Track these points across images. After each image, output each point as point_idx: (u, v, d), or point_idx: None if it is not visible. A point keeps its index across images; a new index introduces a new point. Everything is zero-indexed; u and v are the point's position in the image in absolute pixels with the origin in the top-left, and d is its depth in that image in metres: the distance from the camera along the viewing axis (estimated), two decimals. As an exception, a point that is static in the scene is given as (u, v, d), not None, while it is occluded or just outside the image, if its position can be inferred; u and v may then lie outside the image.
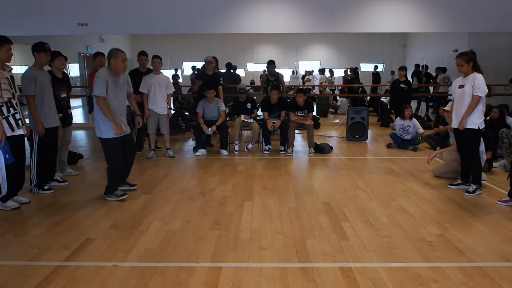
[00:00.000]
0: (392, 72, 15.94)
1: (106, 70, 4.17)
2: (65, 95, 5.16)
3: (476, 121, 4.44)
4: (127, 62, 4.34)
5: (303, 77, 16.27)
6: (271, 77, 8.04)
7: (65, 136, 5.30)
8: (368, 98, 13.14)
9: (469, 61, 4.44)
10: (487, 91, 4.43)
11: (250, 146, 6.95)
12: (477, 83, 4.37)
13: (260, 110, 7.40)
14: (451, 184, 4.87)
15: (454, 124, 4.63)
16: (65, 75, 5.23)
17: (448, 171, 5.24)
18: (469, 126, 4.45)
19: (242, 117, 6.88)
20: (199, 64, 12.59)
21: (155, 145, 6.66)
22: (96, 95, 4.09)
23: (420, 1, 8.46)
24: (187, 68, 16.65)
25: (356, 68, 15.96)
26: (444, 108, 5.54)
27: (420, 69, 13.66)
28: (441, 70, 12.93)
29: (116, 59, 4.17)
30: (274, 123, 6.82)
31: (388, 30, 8.82)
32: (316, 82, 15.88)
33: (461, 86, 4.54)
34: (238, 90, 7.20)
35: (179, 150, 7.19)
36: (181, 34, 11.84)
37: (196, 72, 9.24)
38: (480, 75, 4.44)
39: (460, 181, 4.83)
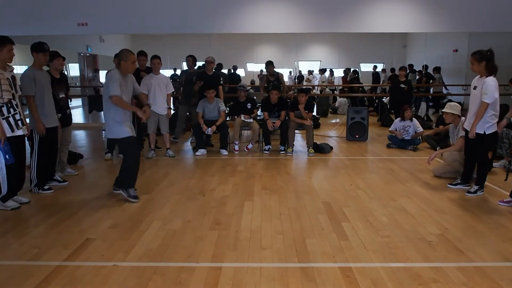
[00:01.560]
0: (384, 70, 15.97)
1: (117, 72, 4.23)
2: (63, 95, 5.16)
3: (482, 125, 4.30)
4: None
5: (299, 77, 16.26)
6: (271, 78, 8.07)
7: (65, 136, 5.30)
8: (369, 98, 13.14)
9: (480, 60, 4.23)
10: (496, 97, 4.22)
11: (250, 146, 6.95)
12: (486, 88, 4.17)
13: (260, 110, 7.40)
14: (451, 184, 4.87)
15: (466, 125, 4.55)
16: (63, 75, 5.23)
17: (448, 171, 5.24)
18: (476, 130, 4.33)
19: (242, 117, 6.88)
20: (197, 64, 12.60)
21: (155, 145, 6.66)
22: (113, 95, 4.11)
23: (420, 1, 8.46)
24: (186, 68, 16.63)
25: (350, 69, 15.95)
26: (443, 110, 5.53)
27: (416, 68, 13.67)
28: (435, 70, 12.94)
29: (126, 61, 4.23)
30: (274, 123, 6.82)
31: (388, 30, 8.82)
32: (317, 82, 15.87)
33: (475, 87, 4.40)
34: (239, 87, 7.20)
35: (179, 150, 7.19)
36: (181, 34, 11.84)
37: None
38: (491, 78, 4.21)
39: (460, 181, 4.83)
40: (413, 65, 13.84)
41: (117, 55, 6.24)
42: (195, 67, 7.90)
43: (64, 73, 5.31)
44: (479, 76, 4.41)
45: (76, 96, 14.61)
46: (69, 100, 5.51)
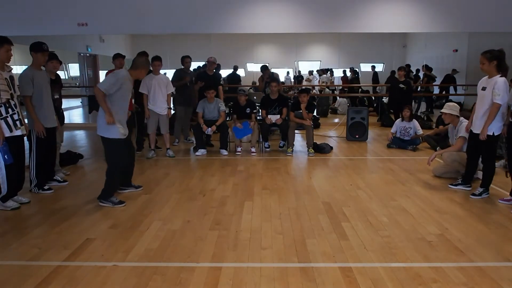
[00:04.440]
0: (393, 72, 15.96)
1: (126, 74, 4.15)
2: (58, 96, 5.13)
3: (491, 127, 4.21)
4: (126, 61, 4.36)
5: (298, 77, 16.26)
6: (267, 80, 8.45)
7: (57, 137, 5.24)
8: (370, 98, 13.15)
9: (492, 59, 4.11)
10: (508, 98, 4.13)
11: (253, 149, 6.86)
12: (497, 89, 4.05)
13: (259, 108, 7.38)
14: (451, 184, 4.85)
15: (473, 126, 4.43)
16: (57, 76, 5.22)
17: (448, 171, 5.24)
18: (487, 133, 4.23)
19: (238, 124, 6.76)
20: (195, 64, 12.61)
21: (155, 145, 6.66)
22: (99, 87, 3.99)
23: (420, 1, 8.46)
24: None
25: (354, 68, 15.97)
26: (442, 111, 5.52)
27: (414, 68, 13.65)
28: (427, 69, 12.96)
29: (141, 70, 4.25)
30: (276, 120, 6.79)
31: (388, 30, 8.83)
32: (316, 82, 15.89)
33: (483, 88, 4.27)
34: (239, 91, 7.18)
35: (179, 150, 7.19)
36: (181, 34, 11.85)
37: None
38: (503, 79, 4.09)
39: (461, 182, 4.81)
40: (410, 65, 13.85)
41: (115, 56, 6.28)
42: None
43: (58, 74, 5.29)
44: (487, 76, 4.28)
45: (76, 96, 14.64)
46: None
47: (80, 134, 9.18)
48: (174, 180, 5.22)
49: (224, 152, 6.74)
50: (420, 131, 7.32)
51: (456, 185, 4.81)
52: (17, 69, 8.26)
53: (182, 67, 7.40)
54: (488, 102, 4.19)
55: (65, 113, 5.70)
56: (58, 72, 5.22)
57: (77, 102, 14.89)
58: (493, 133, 4.25)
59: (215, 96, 6.80)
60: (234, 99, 7.79)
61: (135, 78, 4.29)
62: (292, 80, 16.65)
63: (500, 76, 4.14)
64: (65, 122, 5.61)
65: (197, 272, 2.83)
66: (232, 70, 12.89)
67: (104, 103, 4.03)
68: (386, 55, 18.12)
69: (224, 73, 11.38)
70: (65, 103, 6.19)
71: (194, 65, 13.96)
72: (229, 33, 9.45)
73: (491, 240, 3.37)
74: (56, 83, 5.10)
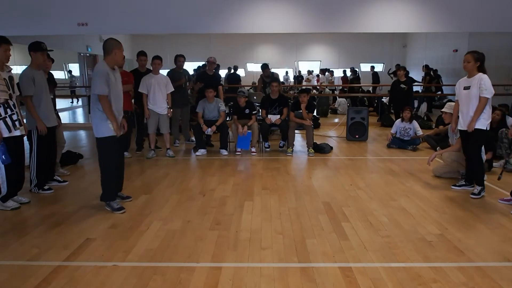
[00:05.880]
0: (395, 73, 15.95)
1: (104, 65, 3.89)
2: (52, 96, 5.12)
3: (484, 122, 4.36)
4: (126, 61, 4.24)
5: (298, 77, 16.24)
6: (266, 79, 8.39)
7: (58, 138, 5.24)
8: (370, 98, 13.15)
9: (477, 60, 4.36)
10: (493, 92, 4.34)
11: (253, 149, 6.87)
12: (484, 84, 4.28)
13: (259, 108, 7.38)
14: (455, 185, 4.83)
15: (461, 125, 4.54)
16: (50, 75, 5.20)
17: (448, 171, 5.24)
18: (476, 126, 4.37)
19: (240, 128, 6.75)
20: (195, 64, 12.63)
21: (155, 145, 6.66)
22: (99, 94, 3.81)
23: (420, 1, 8.47)
24: (186, 68, 16.58)
25: (354, 69, 15.97)
26: (442, 110, 5.53)
27: (414, 68, 13.60)
28: (427, 68, 12.99)
29: (115, 50, 3.92)
30: (276, 120, 6.79)
31: (388, 30, 8.83)
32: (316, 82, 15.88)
33: (466, 88, 4.44)
34: (239, 92, 7.17)
35: (179, 150, 7.19)
36: (181, 34, 11.84)
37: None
38: (486, 76, 4.35)
39: (464, 182, 4.80)
40: (399, 64, 13.85)
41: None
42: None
43: (51, 73, 5.28)
44: (466, 77, 4.50)
45: (69, 96, 14.65)
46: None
47: (80, 134, 9.18)
48: (174, 180, 5.22)
49: (224, 152, 6.74)
50: (420, 132, 7.33)
51: (460, 186, 4.80)
52: (17, 69, 8.27)
53: (175, 66, 7.33)
54: (476, 99, 4.36)
55: (65, 113, 5.70)
56: (57, 72, 5.22)
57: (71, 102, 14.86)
58: (486, 128, 4.40)
59: (215, 96, 6.80)
60: (234, 100, 7.79)
61: (115, 64, 3.98)
62: (292, 80, 16.64)
63: (481, 74, 4.38)
64: (67, 122, 5.61)
65: (197, 272, 2.83)
66: (227, 70, 12.88)
67: (110, 111, 3.88)
68: (386, 55, 18.10)
69: (221, 73, 11.35)
70: (65, 103, 6.19)
71: (194, 65, 13.98)
72: (229, 33, 9.45)
73: (491, 240, 3.37)
74: (50, 82, 5.07)
